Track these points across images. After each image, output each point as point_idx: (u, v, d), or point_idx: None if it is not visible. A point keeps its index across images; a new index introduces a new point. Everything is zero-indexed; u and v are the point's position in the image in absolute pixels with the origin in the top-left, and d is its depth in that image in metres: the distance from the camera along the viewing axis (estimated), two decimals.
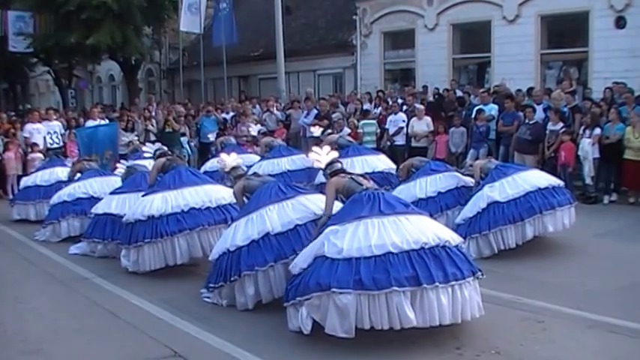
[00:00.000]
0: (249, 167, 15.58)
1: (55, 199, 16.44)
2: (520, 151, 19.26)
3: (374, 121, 23.33)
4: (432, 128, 21.97)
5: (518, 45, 25.69)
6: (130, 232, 12.61)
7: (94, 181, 16.43)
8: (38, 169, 19.50)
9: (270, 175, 14.58)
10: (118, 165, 17.15)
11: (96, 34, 33.55)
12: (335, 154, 11.13)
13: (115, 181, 15.95)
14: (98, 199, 15.29)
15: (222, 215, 12.44)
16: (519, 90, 22.62)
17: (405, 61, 31.34)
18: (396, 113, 22.88)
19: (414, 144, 22.21)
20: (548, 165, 18.62)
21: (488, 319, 9.09)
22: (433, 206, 14.21)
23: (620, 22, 23.00)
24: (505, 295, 10.48)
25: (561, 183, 13.95)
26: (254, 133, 21.02)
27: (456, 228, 12.53)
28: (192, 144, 25.70)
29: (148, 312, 10.50)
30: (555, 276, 11.72)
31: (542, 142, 19.09)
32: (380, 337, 8.53)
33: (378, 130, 23.12)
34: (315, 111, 24.60)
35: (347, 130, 21.24)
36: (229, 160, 12.19)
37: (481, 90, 23.41)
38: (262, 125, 23.77)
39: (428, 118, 22.14)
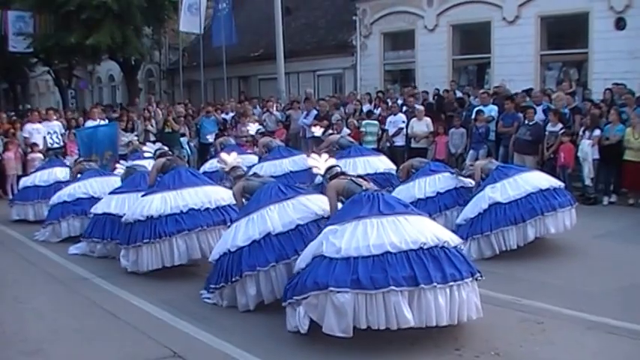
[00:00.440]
0: (249, 168, 15.56)
1: (55, 199, 16.43)
2: (520, 152, 19.25)
3: (376, 122, 23.33)
4: (431, 129, 21.97)
5: (518, 46, 25.71)
6: (128, 232, 12.60)
7: (94, 181, 16.42)
8: (37, 170, 19.50)
9: (272, 176, 14.62)
10: (117, 165, 17.12)
11: (96, 35, 33.56)
12: (333, 160, 11.14)
13: (115, 182, 15.92)
14: (98, 199, 15.27)
15: (221, 216, 12.42)
16: (523, 91, 22.60)
17: (404, 62, 31.36)
18: (395, 114, 22.89)
19: (413, 145, 22.21)
20: (547, 166, 18.62)
21: (487, 320, 9.08)
22: (432, 206, 14.23)
23: (620, 24, 23.00)
24: (505, 296, 10.48)
25: (562, 184, 13.95)
26: (252, 132, 21.00)
27: (457, 228, 12.55)
28: (191, 144, 25.70)
29: (148, 312, 10.50)
30: (555, 277, 11.71)
31: (542, 143, 19.05)
32: (379, 338, 8.52)
33: (380, 131, 23.11)
34: (315, 111, 24.60)
35: (347, 130, 21.25)
36: (229, 159, 12.19)
37: (481, 91, 23.39)
38: (262, 125, 23.75)
39: (428, 119, 22.14)
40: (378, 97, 26.63)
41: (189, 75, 40.24)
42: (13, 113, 30.87)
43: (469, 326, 8.93)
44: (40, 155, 22.15)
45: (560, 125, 18.84)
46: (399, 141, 22.61)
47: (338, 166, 10.87)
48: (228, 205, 12.53)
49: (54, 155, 21.46)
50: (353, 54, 32.76)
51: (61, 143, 24.04)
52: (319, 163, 10.91)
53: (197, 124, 26.59)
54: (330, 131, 19.80)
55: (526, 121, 19.46)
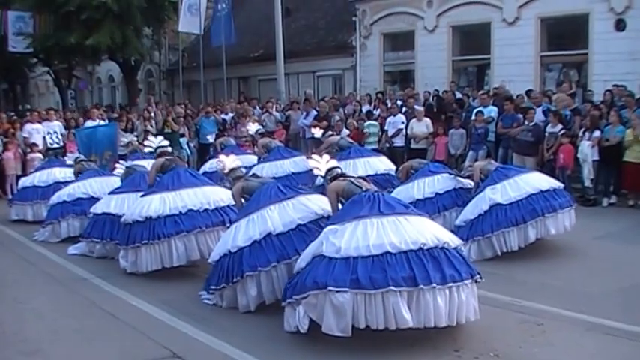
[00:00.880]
0: (248, 168, 15.55)
1: (55, 199, 16.42)
2: (520, 153, 19.26)
3: (377, 123, 23.33)
4: (431, 130, 21.95)
5: (517, 47, 25.71)
6: (127, 232, 12.59)
7: (94, 181, 16.40)
8: (37, 170, 19.48)
9: (273, 177, 14.61)
10: (117, 165, 17.13)
11: (96, 35, 33.54)
12: (334, 162, 11.14)
13: (115, 182, 15.89)
14: (98, 200, 15.27)
15: (220, 217, 12.42)
16: (523, 94, 22.63)
17: (404, 63, 31.35)
18: (395, 115, 22.86)
19: (413, 146, 22.20)
20: (547, 167, 18.62)
21: (486, 322, 9.08)
22: (431, 207, 14.25)
23: (620, 25, 23.01)
24: (504, 297, 10.48)
25: (561, 185, 13.95)
26: (252, 132, 20.96)
27: (457, 230, 12.53)
28: (191, 145, 25.68)
29: (147, 313, 10.49)
30: (554, 278, 11.71)
31: (542, 144, 19.04)
32: (378, 339, 8.53)
33: (380, 132, 23.10)
34: (314, 112, 24.59)
35: (346, 131, 21.25)
36: (228, 161, 12.17)
37: (481, 92, 23.39)
38: (261, 126, 23.73)
39: (427, 120, 22.13)
40: (378, 97, 26.60)
41: (188, 75, 40.23)
42: (12, 113, 30.83)
43: (468, 327, 8.92)
44: (40, 155, 22.15)
45: (560, 126, 18.84)
46: (399, 142, 22.59)
47: (338, 167, 10.86)
48: (227, 206, 12.53)
49: (53, 155, 21.43)
50: (353, 55, 32.74)
51: (61, 143, 24.02)
52: (320, 164, 10.91)
53: (197, 124, 26.57)
54: (330, 132, 19.77)
55: (526, 122, 19.42)
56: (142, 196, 13.04)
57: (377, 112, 24.50)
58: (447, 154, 21.55)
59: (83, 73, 50.69)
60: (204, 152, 24.41)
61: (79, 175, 16.91)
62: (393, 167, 17.87)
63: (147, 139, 17.67)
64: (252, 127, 21.15)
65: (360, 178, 10.48)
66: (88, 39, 33.46)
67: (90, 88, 53.49)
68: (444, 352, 8.47)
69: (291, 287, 8.99)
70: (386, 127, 22.86)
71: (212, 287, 10.58)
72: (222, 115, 27.32)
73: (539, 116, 19.80)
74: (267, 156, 18.68)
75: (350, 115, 25.03)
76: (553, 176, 16.70)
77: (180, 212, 12.31)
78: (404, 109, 23.70)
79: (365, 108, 25.21)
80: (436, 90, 25.82)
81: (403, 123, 22.55)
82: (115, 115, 27.88)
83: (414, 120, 22.17)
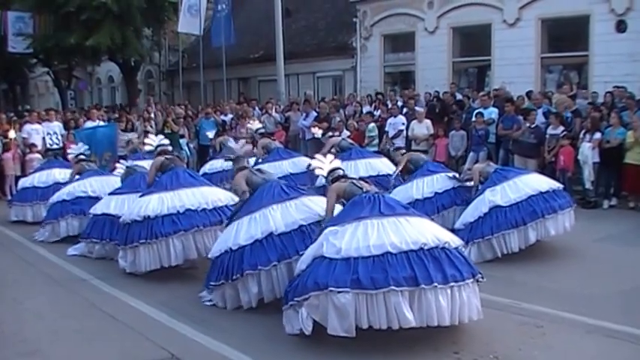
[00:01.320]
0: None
1: (55, 198, 16.38)
2: (522, 155, 19.21)
3: (375, 125, 23.30)
4: (432, 131, 21.90)
5: (518, 48, 25.70)
6: (126, 232, 12.57)
7: (94, 180, 16.36)
8: (36, 171, 19.42)
9: None
10: (117, 165, 17.10)
11: (96, 35, 33.57)
12: (338, 162, 11.11)
13: (115, 181, 15.86)
14: (97, 199, 15.29)
15: (217, 217, 12.35)
16: (526, 94, 22.63)
17: (405, 64, 31.35)
18: (395, 116, 22.81)
19: (413, 147, 22.10)
20: (548, 169, 18.59)
21: (486, 324, 9.07)
22: (430, 207, 14.30)
23: (621, 26, 23.00)
24: (504, 299, 10.45)
25: (560, 186, 13.91)
26: (254, 128, 20.85)
27: (457, 233, 12.48)
28: (191, 146, 25.66)
29: (146, 314, 10.47)
30: (554, 281, 11.70)
31: (543, 145, 19.01)
32: (378, 341, 8.52)
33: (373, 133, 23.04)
34: (314, 113, 24.57)
35: (346, 132, 21.22)
36: (237, 147, 12.20)
37: (481, 93, 23.35)
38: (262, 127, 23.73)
39: (428, 121, 22.09)
40: (378, 99, 26.57)
41: (188, 76, 40.27)
42: (12, 114, 30.79)
43: (468, 329, 8.92)
44: (39, 156, 22.09)
45: (561, 128, 18.80)
46: (399, 143, 22.52)
47: (340, 168, 10.82)
48: (225, 206, 12.51)
49: (53, 156, 21.36)
50: (353, 56, 32.76)
51: (61, 144, 23.98)
52: (324, 164, 10.88)
53: (196, 125, 26.55)
54: (330, 133, 19.72)
55: (527, 124, 19.38)
56: (141, 195, 13.01)
57: (377, 113, 24.45)
58: (447, 155, 21.50)
59: (83, 74, 50.76)
60: (204, 153, 24.36)
61: (78, 175, 16.85)
62: (395, 168, 17.83)
63: (147, 138, 17.62)
64: (254, 125, 21.06)
65: (361, 179, 10.45)
66: (88, 39, 33.50)
67: (89, 89, 53.53)
68: (444, 354, 8.45)
69: (292, 290, 8.97)
70: (386, 129, 22.80)
71: (212, 284, 10.55)
72: (222, 116, 27.28)
73: (539, 118, 19.75)
74: (267, 157, 18.62)
75: (350, 116, 24.98)
76: (554, 178, 16.72)
77: (178, 212, 12.28)
78: (404, 110, 23.65)
79: (365, 109, 25.15)
80: (436, 91, 25.79)
81: (403, 124, 22.50)
82: (116, 116, 27.85)
83: (414, 121, 22.12)
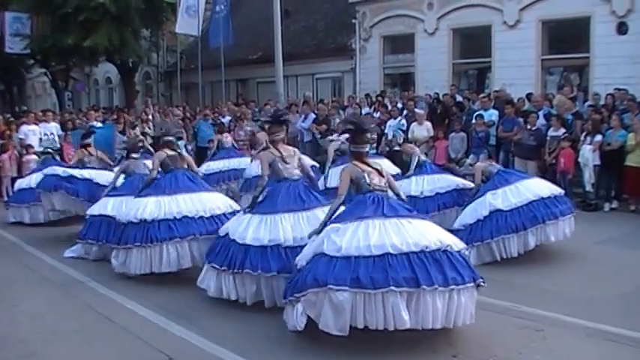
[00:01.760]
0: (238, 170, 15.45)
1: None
2: (522, 157, 19.17)
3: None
4: (432, 133, 21.83)
5: (518, 50, 25.63)
6: (120, 232, 12.52)
7: (92, 170, 16.32)
8: (33, 172, 19.35)
9: None
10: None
11: (93, 36, 33.60)
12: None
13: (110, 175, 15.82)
14: (91, 182, 15.68)
15: (214, 225, 12.19)
16: (527, 96, 22.60)
17: (404, 66, 31.22)
18: (395, 118, 22.73)
19: None
20: (549, 171, 18.56)
21: (486, 327, 9.06)
22: (431, 204, 14.33)
23: (622, 28, 22.94)
24: (504, 302, 10.39)
25: (562, 191, 13.84)
26: (248, 128, 20.76)
27: (455, 233, 12.38)
28: (189, 147, 25.56)
29: (143, 316, 10.41)
30: (555, 284, 11.65)
31: (544, 147, 18.94)
32: (376, 343, 8.51)
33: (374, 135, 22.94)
34: (313, 115, 24.50)
35: (345, 135, 21.11)
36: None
37: (481, 95, 23.29)
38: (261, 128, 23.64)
39: (428, 124, 22.03)
40: (378, 100, 26.50)
41: (187, 78, 40.28)
42: (9, 115, 30.75)
43: (467, 332, 8.87)
44: (35, 157, 22.00)
45: (562, 130, 18.78)
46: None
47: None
48: (223, 214, 12.41)
49: (49, 155, 21.22)
50: (352, 57, 32.65)
51: (58, 145, 23.90)
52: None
53: (194, 127, 26.49)
54: (331, 137, 19.61)
55: (528, 126, 19.31)
56: (138, 194, 12.90)
57: (377, 115, 24.35)
58: (447, 157, 21.43)
59: (80, 75, 50.72)
60: (202, 155, 24.27)
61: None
62: (397, 170, 17.69)
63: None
64: (246, 128, 20.96)
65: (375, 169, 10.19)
66: (86, 40, 33.51)
67: (87, 90, 53.47)
68: (443, 356, 8.43)
69: (291, 286, 8.94)
70: (386, 130, 22.71)
71: (214, 265, 10.52)
72: (220, 118, 27.21)
73: (540, 120, 19.69)
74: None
75: None
76: (554, 180, 16.66)
77: (175, 217, 12.16)
78: (404, 112, 23.57)
79: (365, 111, 25.07)
80: (436, 93, 25.71)
81: (403, 126, 22.42)
82: (114, 117, 27.78)
83: (414, 123, 22.06)
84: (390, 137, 21.98)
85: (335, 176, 14.36)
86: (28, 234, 16.89)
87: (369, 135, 10.07)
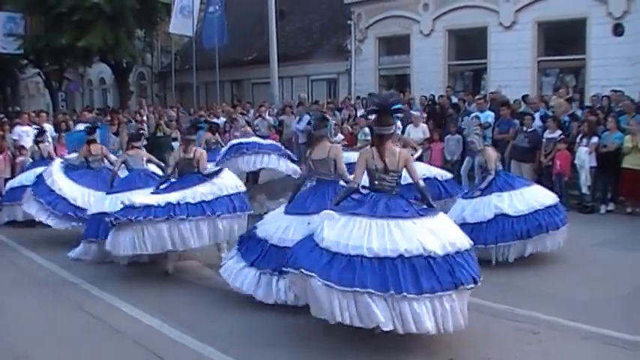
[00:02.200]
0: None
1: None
2: (517, 159, 19.09)
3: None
4: (427, 135, 21.74)
5: (514, 52, 25.66)
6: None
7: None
8: (23, 170, 19.27)
9: None
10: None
11: (87, 36, 33.60)
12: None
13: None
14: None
15: (200, 210, 12.25)
16: (522, 97, 22.56)
17: (400, 67, 31.27)
18: None
19: (410, 151, 21.92)
20: (545, 173, 18.51)
21: (482, 330, 9.06)
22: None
23: (618, 30, 22.99)
24: (500, 305, 10.35)
25: (557, 200, 13.74)
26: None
27: None
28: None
29: (137, 319, 10.35)
30: (551, 286, 11.60)
31: (540, 150, 18.87)
32: (373, 345, 8.52)
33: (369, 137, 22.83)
34: (308, 117, 24.40)
35: (341, 136, 21.09)
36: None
37: (477, 97, 23.22)
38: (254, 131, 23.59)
39: (424, 126, 21.97)
40: None
41: (181, 78, 40.27)
42: (2, 115, 30.64)
43: (463, 335, 8.78)
44: (29, 159, 21.87)
45: (558, 132, 18.71)
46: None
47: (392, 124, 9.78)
48: (217, 199, 12.50)
49: (39, 156, 21.10)
50: (347, 58, 32.72)
51: (52, 146, 23.78)
52: None
53: None
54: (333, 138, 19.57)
55: (524, 128, 19.25)
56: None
57: (372, 116, 24.22)
58: (442, 159, 21.35)
59: (74, 75, 50.67)
60: None
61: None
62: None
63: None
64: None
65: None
66: (80, 40, 33.49)
67: (81, 91, 53.50)
68: (439, 359, 8.42)
69: (288, 257, 9.11)
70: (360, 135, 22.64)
71: (263, 267, 10.33)
72: (215, 119, 27.12)
73: (536, 122, 19.63)
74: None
75: (345, 119, 24.82)
76: (550, 182, 16.59)
77: (159, 204, 12.14)
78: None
79: (360, 112, 24.98)
80: (432, 95, 25.66)
81: (399, 128, 22.31)
82: (107, 118, 27.68)
83: (410, 125, 21.96)
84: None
85: None
86: (20, 235, 16.82)
87: (394, 116, 9.75)
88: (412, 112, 22.82)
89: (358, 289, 8.08)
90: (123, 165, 15.28)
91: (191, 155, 13.09)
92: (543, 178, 18.69)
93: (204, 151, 13.81)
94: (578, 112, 20.44)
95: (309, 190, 11.00)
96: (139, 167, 14.85)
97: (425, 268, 8.31)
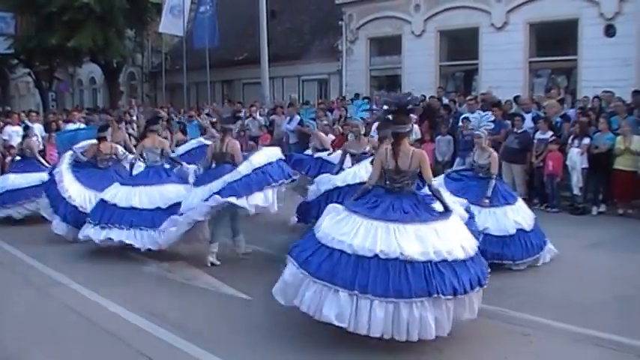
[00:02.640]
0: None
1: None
2: (508, 160, 19.04)
3: None
4: (419, 136, 21.66)
5: (506, 52, 25.70)
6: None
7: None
8: (11, 171, 19.17)
9: None
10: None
11: (77, 36, 33.63)
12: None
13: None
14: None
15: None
16: (514, 98, 22.54)
17: (391, 68, 31.29)
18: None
19: None
20: (536, 174, 18.48)
21: (473, 332, 9.01)
22: None
23: (610, 31, 23.04)
24: (491, 307, 10.13)
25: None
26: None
27: None
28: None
29: (125, 319, 10.26)
30: (542, 288, 11.54)
31: (531, 151, 18.85)
32: (361, 349, 8.44)
33: None
34: (298, 117, 24.35)
35: (332, 137, 21.01)
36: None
37: (468, 97, 23.19)
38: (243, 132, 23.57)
39: (415, 126, 21.85)
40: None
41: (171, 78, 40.28)
42: None
43: (453, 338, 8.70)
44: (18, 157, 21.79)
45: (550, 133, 18.68)
46: None
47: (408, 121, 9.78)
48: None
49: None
50: (339, 59, 32.72)
51: (41, 146, 23.70)
52: None
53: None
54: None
55: (514, 129, 19.22)
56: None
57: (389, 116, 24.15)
58: (434, 160, 21.27)
59: (64, 75, 50.69)
60: None
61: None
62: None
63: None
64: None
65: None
66: (70, 40, 33.49)
67: (71, 91, 53.42)
68: None
69: None
70: (372, 133, 22.55)
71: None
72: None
73: (528, 123, 19.58)
74: None
75: (336, 120, 24.76)
76: (541, 183, 16.55)
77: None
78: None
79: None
80: (423, 95, 25.59)
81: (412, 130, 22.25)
82: (96, 118, 27.62)
83: None
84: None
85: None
86: (8, 234, 16.66)
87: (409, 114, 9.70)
88: None
89: (327, 283, 8.30)
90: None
91: (225, 147, 13.27)
92: (534, 179, 18.70)
93: (237, 142, 13.83)
94: (570, 112, 20.43)
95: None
96: (153, 160, 14.86)
97: (399, 271, 8.25)
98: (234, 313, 10.21)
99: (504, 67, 25.45)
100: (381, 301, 8.10)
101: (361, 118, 15.40)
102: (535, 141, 18.91)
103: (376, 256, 8.28)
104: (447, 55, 28.93)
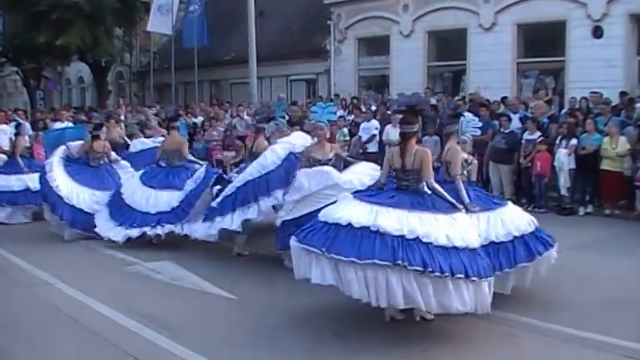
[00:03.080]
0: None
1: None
2: (495, 161, 19.09)
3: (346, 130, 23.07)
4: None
5: (494, 53, 25.72)
6: None
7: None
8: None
9: None
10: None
11: (66, 35, 33.53)
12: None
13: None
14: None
15: None
16: (502, 99, 22.66)
17: (379, 68, 31.31)
18: (369, 120, 22.56)
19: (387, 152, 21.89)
20: (524, 175, 18.51)
21: (458, 332, 9.08)
22: None
23: (598, 32, 23.12)
24: None
25: None
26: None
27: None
28: None
29: (111, 319, 10.22)
30: (529, 288, 11.36)
31: (518, 151, 18.87)
32: (347, 347, 8.54)
33: (347, 137, 22.74)
34: (286, 117, 24.31)
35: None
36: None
37: (456, 98, 23.20)
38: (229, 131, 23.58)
39: None
40: (352, 103, 26.36)
41: (160, 78, 40.19)
42: None
43: (439, 337, 8.87)
44: (4, 156, 21.68)
45: (538, 133, 18.73)
46: (372, 148, 22.26)
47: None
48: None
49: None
50: (327, 59, 32.71)
51: (28, 144, 23.60)
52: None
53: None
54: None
55: (501, 129, 19.24)
56: None
57: (350, 117, 24.22)
58: None
59: (52, 74, 50.53)
60: None
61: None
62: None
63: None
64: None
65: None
66: (58, 39, 33.35)
67: (59, 89, 53.26)
68: None
69: None
70: (360, 133, 22.55)
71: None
72: (193, 119, 27.05)
73: (515, 123, 19.61)
74: None
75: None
76: (529, 184, 16.55)
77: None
78: (377, 114, 23.43)
79: (339, 113, 24.88)
80: None
81: (377, 129, 22.25)
82: (84, 118, 27.53)
83: (389, 125, 21.84)
84: (363, 140, 21.84)
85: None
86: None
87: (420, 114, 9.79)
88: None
89: (315, 249, 8.69)
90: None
91: (255, 146, 14.00)
92: (522, 179, 18.73)
93: (266, 142, 14.33)
94: (558, 113, 20.49)
95: None
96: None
97: (369, 239, 8.48)
98: (220, 312, 10.21)
99: (492, 67, 25.47)
100: (350, 264, 8.41)
101: (327, 120, 15.09)
102: (523, 141, 18.95)
103: (362, 227, 8.59)
104: (435, 56, 28.94)
